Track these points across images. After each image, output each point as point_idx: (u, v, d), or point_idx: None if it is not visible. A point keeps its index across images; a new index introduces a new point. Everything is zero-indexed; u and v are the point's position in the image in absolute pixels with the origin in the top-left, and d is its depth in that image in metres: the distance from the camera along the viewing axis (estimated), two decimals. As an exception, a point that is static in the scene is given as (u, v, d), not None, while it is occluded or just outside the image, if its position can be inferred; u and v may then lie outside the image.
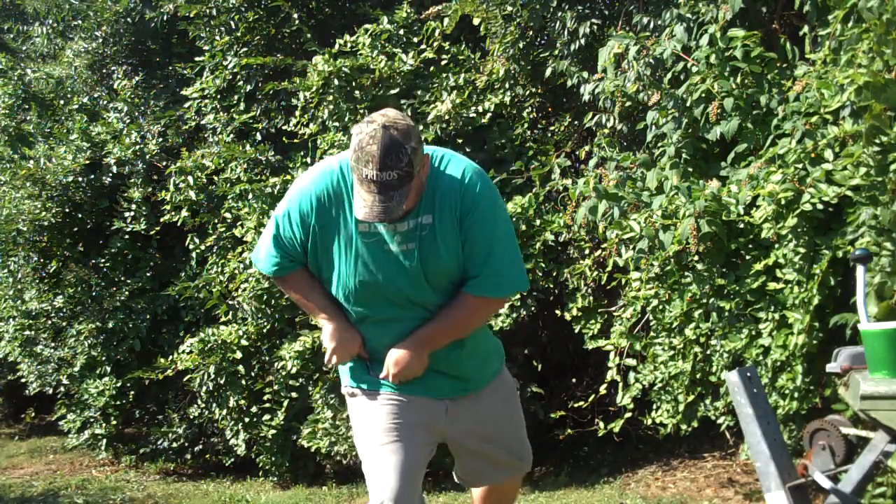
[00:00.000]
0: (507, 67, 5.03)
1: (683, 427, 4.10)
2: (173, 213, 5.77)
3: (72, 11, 7.33)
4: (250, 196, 5.26)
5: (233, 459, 5.83)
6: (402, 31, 5.31)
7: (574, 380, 5.30)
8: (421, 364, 2.31)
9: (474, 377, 2.45)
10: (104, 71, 7.06)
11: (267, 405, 5.24)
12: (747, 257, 3.74)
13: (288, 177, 5.27)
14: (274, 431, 5.20)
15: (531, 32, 5.03)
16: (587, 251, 4.61)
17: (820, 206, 3.38)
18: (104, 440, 6.18)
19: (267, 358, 5.28)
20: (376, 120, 2.07)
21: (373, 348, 2.38)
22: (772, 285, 3.63)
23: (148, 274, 6.09)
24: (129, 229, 6.01)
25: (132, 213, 6.00)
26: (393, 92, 5.09)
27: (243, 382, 5.32)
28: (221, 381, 5.32)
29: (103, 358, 6.04)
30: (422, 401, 2.36)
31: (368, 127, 2.06)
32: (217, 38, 6.02)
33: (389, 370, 2.32)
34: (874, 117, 3.13)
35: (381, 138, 2.03)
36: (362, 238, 2.24)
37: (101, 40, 6.89)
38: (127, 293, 6.02)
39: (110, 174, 6.19)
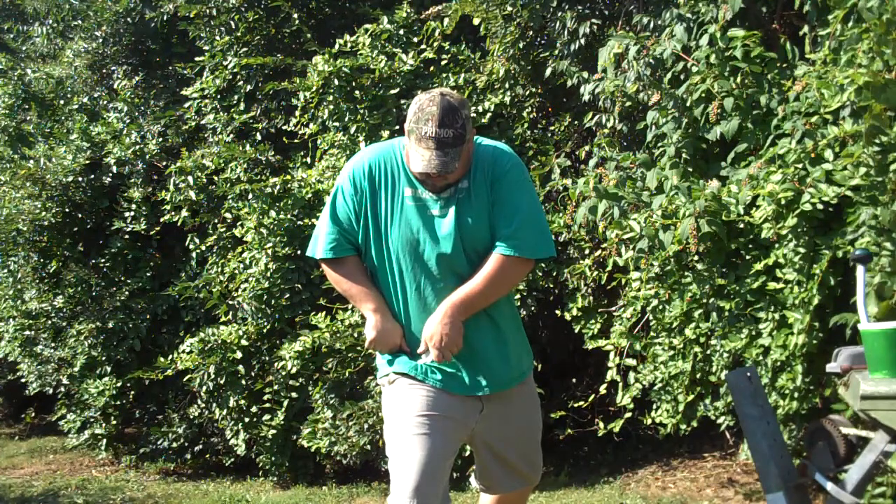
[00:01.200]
0: (507, 67, 5.04)
1: (683, 427, 4.10)
2: (173, 213, 5.77)
3: (72, 11, 7.33)
4: (250, 196, 5.26)
5: (233, 459, 5.83)
6: (402, 31, 5.31)
7: (574, 380, 5.30)
8: (456, 330, 2.39)
9: (507, 369, 2.52)
10: (104, 71, 7.05)
11: (267, 405, 5.24)
12: (747, 257, 3.74)
13: (288, 177, 5.27)
14: (274, 431, 5.20)
15: (531, 32, 5.03)
16: (587, 251, 4.61)
17: (820, 206, 3.38)
18: (104, 440, 6.18)
19: (267, 358, 5.27)
20: (434, 91, 2.36)
21: (411, 336, 2.47)
22: (772, 285, 3.63)
23: (148, 274, 6.09)
24: (129, 229, 6.01)
25: (132, 213, 6.00)
26: (393, 92, 5.09)
27: (243, 382, 5.32)
28: (221, 381, 5.32)
29: (103, 358, 6.04)
30: (458, 398, 2.44)
31: (428, 94, 2.35)
32: (217, 38, 6.02)
33: (427, 343, 2.40)
34: (874, 117, 3.13)
35: (439, 101, 2.31)
36: (409, 200, 2.45)
37: (101, 40, 6.88)
38: (127, 293, 6.02)
39: (110, 174, 6.19)
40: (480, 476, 2.70)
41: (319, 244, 2.52)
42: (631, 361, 4.29)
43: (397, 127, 5.08)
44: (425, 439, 2.33)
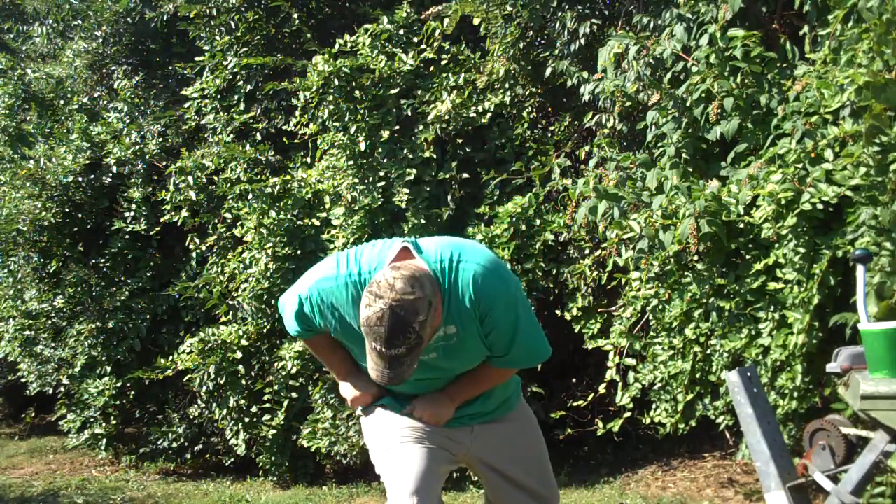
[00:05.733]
0: (507, 67, 5.03)
1: (682, 427, 4.10)
2: (173, 213, 5.77)
3: (72, 11, 7.34)
4: (250, 196, 5.26)
5: (233, 459, 5.83)
6: (402, 31, 5.31)
7: (574, 380, 5.30)
8: (449, 413, 2.39)
9: (491, 408, 2.49)
10: (104, 71, 7.06)
11: (267, 405, 5.24)
12: (747, 257, 3.74)
13: (288, 177, 5.27)
14: (274, 431, 5.20)
15: (531, 32, 5.03)
16: (587, 251, 4.61)
17: (820, 206, 3.38)
18: (104, 440, 6.18)
19: (267, 358, 5.28)
20: (384, 296, 2.01)
21: (397, 394, 2.44)
22: (772, 285, 3.63)
23: (148, 274, 6.10)
24: (129, 229, 6.01)
25: (132, 213, 6.01)
26: (393, 92, 5.09)
27: (243, 382, 5.33)
28: (221, 381, 5.32)
29: (103, 358, 6.05)
30: (444, 429, 2.40)
31: (376, 304, 2.01)
32: (217, 38, 6.03)
33: (416, 408, 2.37)
34: (874, 117, 3.13)
35: (387, 319, 2.00)
36: None
37: (101, 40, 6.89)
38: (127, 293, 6.03)
39: (110, 174, 6.20)
40: (490, 497, 2.59)
41: (286, 322, 2.40)
42: (630, 361, 4.29)
43: (397, 127, 5.08)
44: (418, 445, 2.29)
